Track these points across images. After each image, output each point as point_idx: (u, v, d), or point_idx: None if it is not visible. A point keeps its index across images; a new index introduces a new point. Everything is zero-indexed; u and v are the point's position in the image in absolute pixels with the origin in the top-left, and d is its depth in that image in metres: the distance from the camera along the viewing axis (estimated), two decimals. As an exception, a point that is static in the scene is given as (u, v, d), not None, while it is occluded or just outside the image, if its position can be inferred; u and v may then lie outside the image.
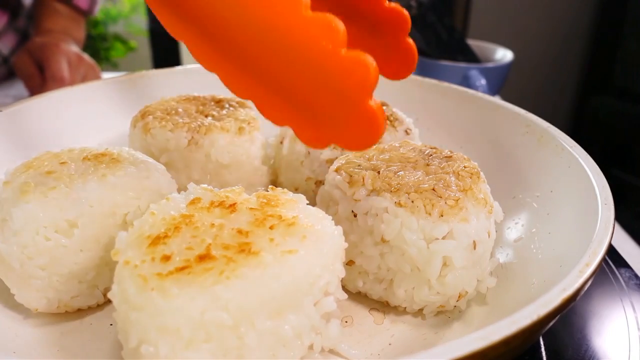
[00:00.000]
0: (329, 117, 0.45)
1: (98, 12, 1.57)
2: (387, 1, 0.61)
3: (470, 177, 0.57)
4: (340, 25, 0.41)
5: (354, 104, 0.42)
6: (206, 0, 0.44)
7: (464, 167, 0.59)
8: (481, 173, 0.60)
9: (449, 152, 0.63)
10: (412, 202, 0.53)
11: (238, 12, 0.43)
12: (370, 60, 0.41)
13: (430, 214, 0.52)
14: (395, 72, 0.63)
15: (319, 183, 0.73)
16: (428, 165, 0.60)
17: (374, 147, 0.63)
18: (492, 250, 0.59)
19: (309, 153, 0.72)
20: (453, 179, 0.57)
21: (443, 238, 0.53)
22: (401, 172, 0.57)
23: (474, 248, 0.54)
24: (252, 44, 0.44)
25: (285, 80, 0.45)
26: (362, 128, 0.43)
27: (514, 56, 1.40)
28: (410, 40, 0.62)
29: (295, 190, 0.74)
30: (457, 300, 0.55)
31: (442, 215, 0.53)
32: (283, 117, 0.47)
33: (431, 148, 0.65)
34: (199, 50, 0.47)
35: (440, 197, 0.54)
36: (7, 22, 1.42)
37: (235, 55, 0.46)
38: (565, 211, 0.60)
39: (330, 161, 0.71)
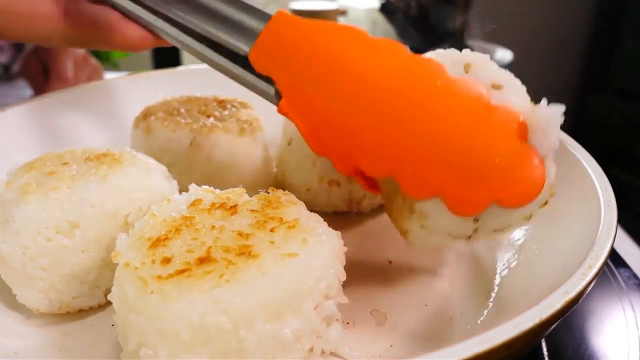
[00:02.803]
0: (486, 172, 0.44)
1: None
2: None
3: None
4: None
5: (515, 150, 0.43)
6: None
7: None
8: None
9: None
10: None
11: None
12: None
13: None
14: None
15: (332, 182, 0.72)
16: None
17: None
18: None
19: None
20: None
21: None
22: None
23: None
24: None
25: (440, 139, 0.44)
26: (522, 179, 0.43)
27: (514, 56, 1.40)
28: None
29: (307, 190, 0.74)
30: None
31: None
32: (431, 186, 0.45)
33: None
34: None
35: None
36: (14, 51, 1.46)
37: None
38: (567, 213, 0.59)
39: None
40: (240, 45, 0.53)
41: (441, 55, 0.53)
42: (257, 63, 0.52)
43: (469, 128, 0.44)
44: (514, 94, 0.49)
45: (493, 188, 0.44)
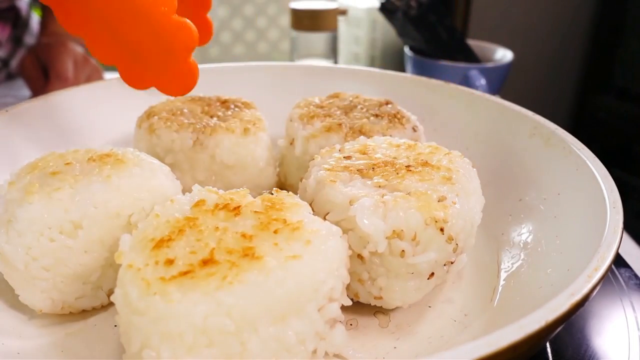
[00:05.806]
0: (155, 65, 0.59)
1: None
2: None
3: None
4: None
5: (178, 59, 0.57)
6: None
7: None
8: None
9: None
10: None
11: None
12: (193, 26, 0.55)
13: None
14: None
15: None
16: None
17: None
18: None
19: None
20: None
21: None
22: None
23: None
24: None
25: (121, 28, 0.57)
26: (181, 79, 0.59)
27: (514, 56, 1.39)
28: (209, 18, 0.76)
29: None
30: None
31: None
32: (112, 57, 0.61)
33: None
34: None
35: None
36: (9, 33, 1.45)
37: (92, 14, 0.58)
38: (572, 214, 0.59)
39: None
40: None
41: None
42: None
43: (144, 33, 0.56)
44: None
45: (154, 81, 0.60)
